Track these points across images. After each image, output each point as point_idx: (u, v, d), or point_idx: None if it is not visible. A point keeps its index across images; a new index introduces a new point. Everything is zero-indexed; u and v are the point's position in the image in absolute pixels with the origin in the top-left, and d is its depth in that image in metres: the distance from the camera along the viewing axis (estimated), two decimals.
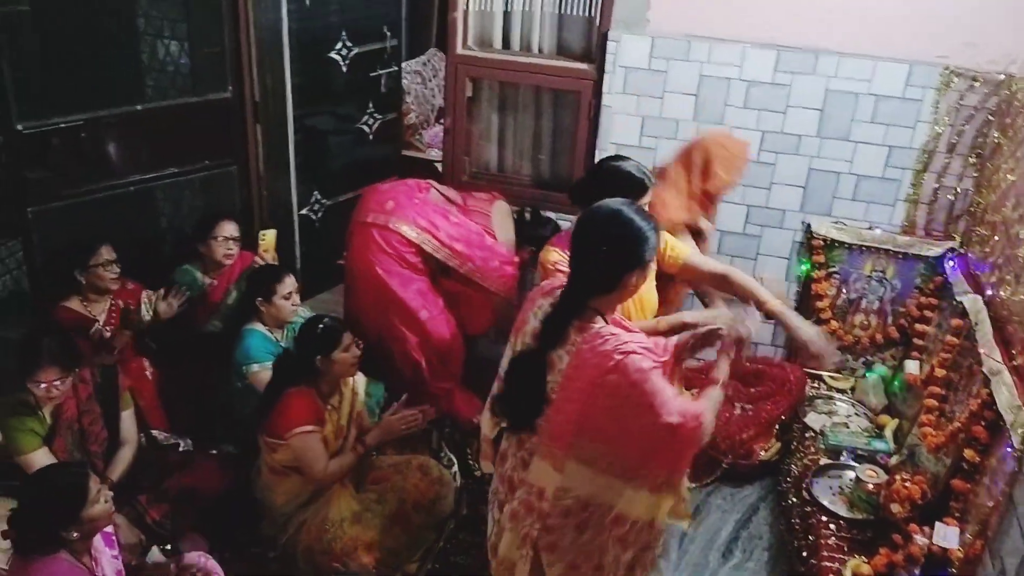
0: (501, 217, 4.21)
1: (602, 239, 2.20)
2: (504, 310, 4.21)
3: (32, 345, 3.05)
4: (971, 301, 3.31)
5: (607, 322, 2.24)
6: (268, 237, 4.08)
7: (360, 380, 3.51)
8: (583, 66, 4.05)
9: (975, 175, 3.72)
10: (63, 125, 3.65)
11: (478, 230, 4.08)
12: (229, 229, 3.93)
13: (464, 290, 4.15)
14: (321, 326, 3.25)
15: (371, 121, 4.83)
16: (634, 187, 2.82)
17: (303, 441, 3.15)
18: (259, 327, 3.68)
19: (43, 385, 2.99)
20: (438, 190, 4.18)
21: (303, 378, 3.24)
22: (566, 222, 4.28)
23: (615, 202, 2.27)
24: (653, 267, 2.39)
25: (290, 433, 3.14)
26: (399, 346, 4.05)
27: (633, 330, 2.30)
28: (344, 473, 3.28)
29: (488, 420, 2.60)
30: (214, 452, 3.65)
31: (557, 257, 2.92)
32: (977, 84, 3.61)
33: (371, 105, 4.79)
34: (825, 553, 3.08)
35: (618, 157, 3.01)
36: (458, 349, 4.17)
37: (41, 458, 3.00)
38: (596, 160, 3.99)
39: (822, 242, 3.95)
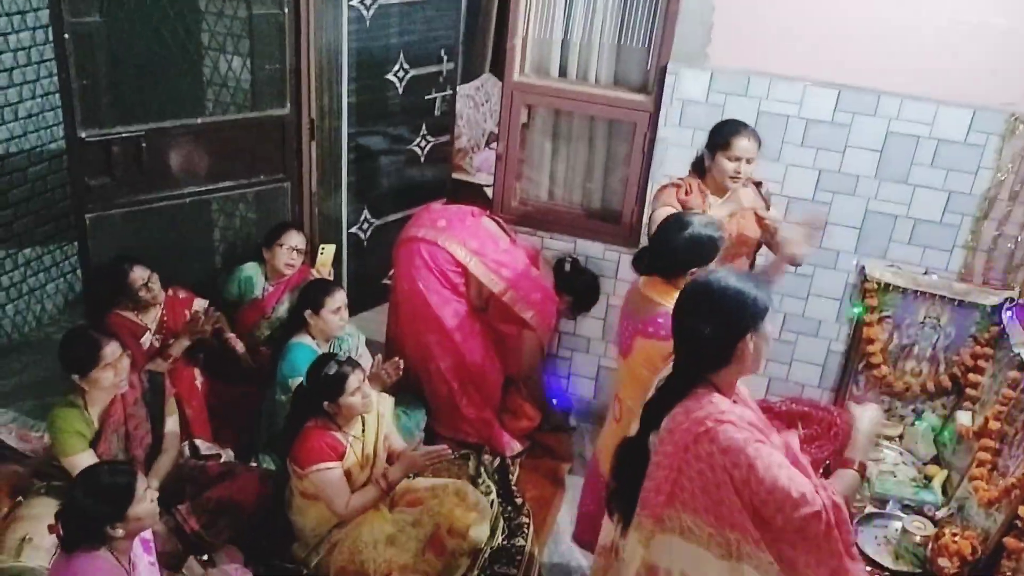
0: (542, 263, 4.22)
1: (702, 314, 2.08)
2: (535, 351, 4.19)
3: (83, 334, 3.14)
4: None
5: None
6: (327, 252, 4.14)
7: (387, 402, 3.50)
8: (640, 97, 4.04)
9: None
10: (125, 135, 3.73)
11: (525, 261, 4.08)
12: (296, 239, 4.00)
13: (498, 327, 4.14)
14: (327, 372, 3.19)
15: (423, 143, 4.87)
16: (709, 251, 2.74)
17: (322, 478, 3.15)
18: (306, 340, 3.70)
19: (108, 362, 3.05)
20: (491, 219, 4.19)
21: (319, 413, 3.23)
22: (613, 253, 4.26)
23: (715, 272, 2.17)
24: (771, 329, 2.17)
25: (309, 470, 3.15)
26: (434, 366, 4.05)
27: (750, 407, 2.18)
28: (367, 508, 3.25)
29: (607, 525, 2.44)
30: (254, 465, 3.67)
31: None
32: None
33: (424, 127, 4.84)
34: None
35: (683, 221, 2.84)
36: (493, 375, 4.15)
37: (86, 460, 3.03)
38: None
39: (876, 285, 3.88)
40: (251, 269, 4.07)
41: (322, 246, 4.16)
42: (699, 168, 3.45)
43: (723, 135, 3.32)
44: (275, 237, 4.00)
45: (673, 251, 2.77)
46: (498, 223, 4.19)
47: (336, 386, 3.17)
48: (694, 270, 2.71)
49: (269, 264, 4.03)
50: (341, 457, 3.20)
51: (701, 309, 2.10)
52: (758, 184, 3.49)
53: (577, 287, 4.23)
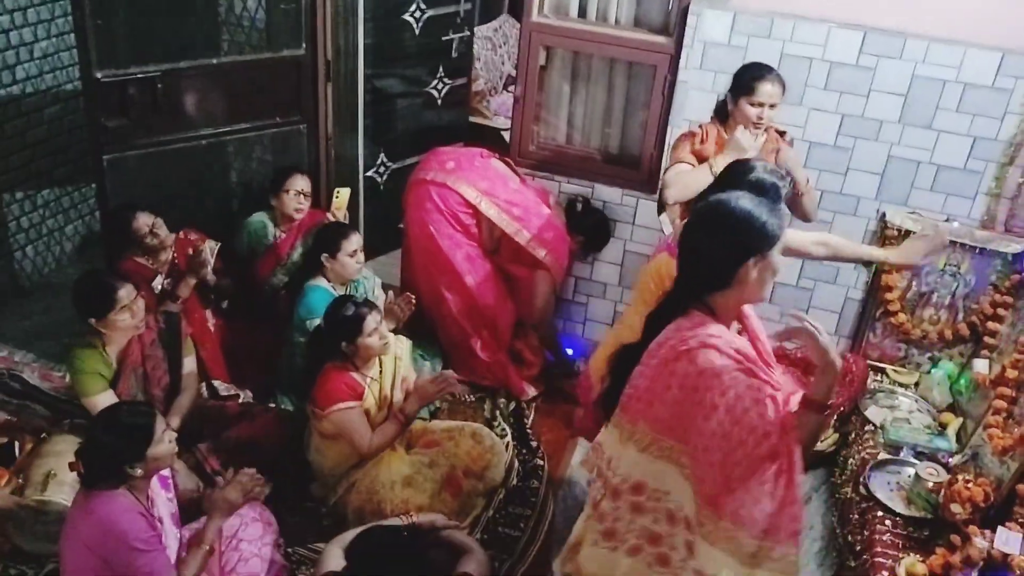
0: (554, 204, 4.20)
1: (708, 232, 2.06)
2: (548, 292, 4.18)
3: (95, 279, 3.18)
4: None
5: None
6: (342, 195, 4.12)
7: (404, 344, 3.52)
8: (661, 39, 3.97)
9: None
10: (140, 75, 3.71)
11: (536, 201, 4.06)
12: (301, 183, 3.99)
13: (510, 269, 4.13)
14: (344, 312, 3.22)
15: (440, 85, 4.80)
16: (772, 194, 2.58)
17: (343, 417, 3.19)
18: (323, 283, 3.72)
19: (124, 304, 3.08)
20: (500, 160, 4.16)
21: (337, 355, 3.26)
22: (631, 199, 4.23)
23: (730, 192, 2.11)
24: (780, 259, 2.08)
25: (329, 410, 3.18)
26: (446, 310, 4.06)
27: (754, 337, 2.17)
28: (388, 443, 3.30)
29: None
30: (272, 406, 3.72)
31: None
32: None
33: (441, 69, 4.77)
34: (879, 549, 3.02)
35: (749, 165, 2.75)
36: (505, 318, 4.16)
37: (106, 400, 3.09)
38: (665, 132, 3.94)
39: (896, 232, 3.84)
40: (258, 219, 4.06)
41: (337, 189, 4.15)
42: (721, 113, 3.39)
43: (746, 80, 3.25)
44: (280, 183, 3.98)
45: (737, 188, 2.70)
46: (507, 164, 4.16)
47: (354, 327, 3.19)
48: None
49: (278, 210, 4.02)
50: (360, 397, 3.24)
51: (708, 227, 2.08)
52: (782, 133, 3.44)
53: (588, 227, 4.22)
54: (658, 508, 2.16)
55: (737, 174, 2.71)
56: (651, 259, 2.90)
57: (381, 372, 3.36)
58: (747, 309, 2.23)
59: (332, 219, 4.02)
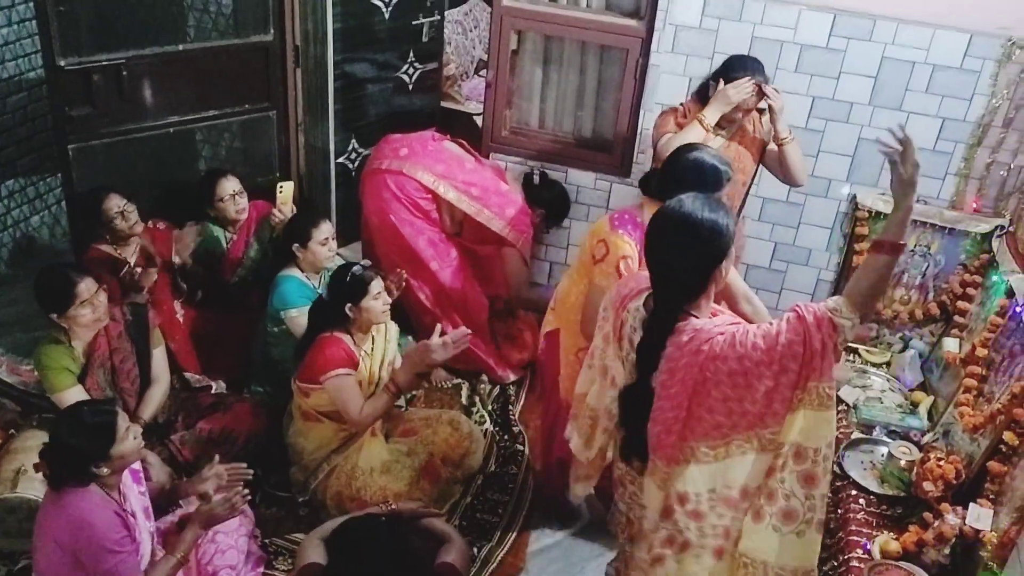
0: (510, 179, 4.20)
1: (680, 247, 2.09)
2: (519, 267, 4.18)
3: (56, 273, 3.10)
4: (1018, 280, 3.24)
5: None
6: (286, 189, 4.04)
7: (393, 328, 3.51)
8: (632, 23, 3.96)
9: None
10: (105, 63, 3.64)
11: (493, 178, 4.06)
12: (230, 187, 3.89)
13: (475, 248, 4.12)
14: (351, 274, 3.23)
15: (411, 70, 4.76)
16: (712, 181, 2.68)
17: (339, 383, 3.17)
18: (296, 273, 3.68)
19: (84, 299, 3.02)
20: (452, 141, 4.15)
21: (336, 325, 3.25)
22: (604, 183, 4.23)
23: (684, 202, 2.12)
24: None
25: (325, 376, 3.16)
26: (414, 298, 4.05)
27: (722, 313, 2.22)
28: (379, 415, 3.28)
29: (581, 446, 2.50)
30: (247, 395, 3.69)
31: (629, 251, 2.78)
32: None
33: (412, 54, 4.72)
34: (853, 527, 3.05)
35: (694, 147, 2.82)
36: (476, 300, 4.15)
37: (75, 395, 3.04)
38: (638, 118, 3.94)
39: (867, 214, 3.87)
40: (210, 231, 3.95)
41: (280, 184, 4.05)
42: (703, 95, 3.39)
43: (735, 70, 3.26)
44: (210, 192, 3.87)
45: (678, 171, 2.74)
46: (460, 144, 4.15)
47: (360, 288, 3.20)
48: None
49: (219, 218, 3.95)
50: (355, 367, 3.23)
51: (680, 242, 2.08)
52: (762, 112, 3.44)
53: (548, 200, 4.23)
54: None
55: (682, 151, 2.78)
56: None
57: (373, 349, 3.35)
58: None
59: (279, 214, 3.94)
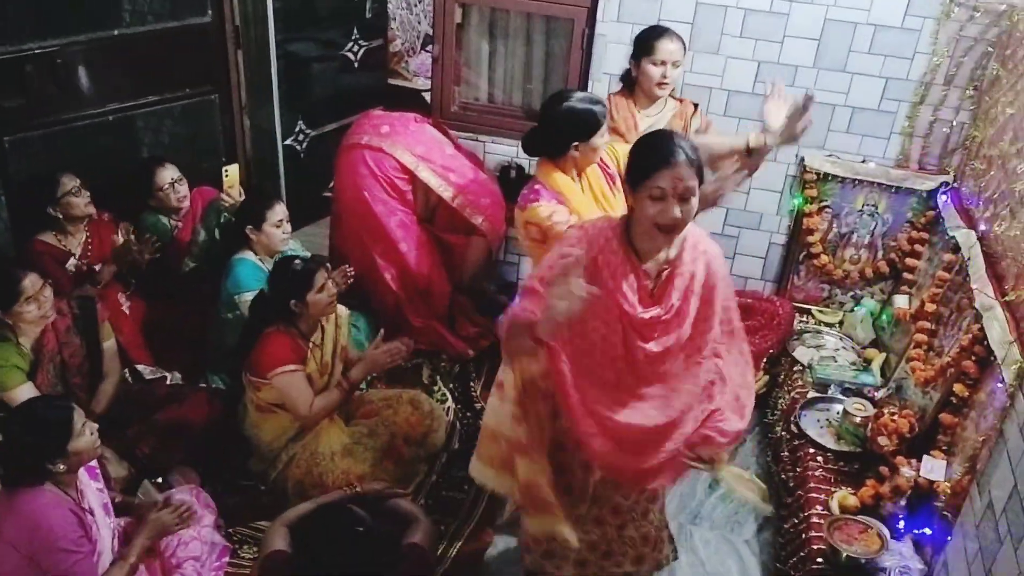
0: (487, 170, 4.16)
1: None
2: (481, 256, 4.15)
3: (1, 269, 3.05)
4: (964, 236, 3.30)
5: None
6: (231, 172, 3.97)
7: (343, 313, 3.47)
8: None
9: (972, 108, 3.66)
10: (38, 51, 3.53)
11: (471, 165, 4.01)
12: (168, 175, 3.82)
13: (445, 237, 4.09)
14: (293, 268, 3.16)
15: (356, 48, 4.70)
16: (587, 123, 2.73)
17: (285, 381, 3.13)
18: (249, 256, 3.63)
19: (29, 296, 2.96)
20: (433, 125, 4.10)
21: (280, 319, 3.19)
22: None
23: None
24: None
25: (272, 374, 3.11)
26: (379, 277, 4.01)
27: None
28: (330, 410, 3.26)
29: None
30: (203, 385, 3.63)
31: (546, 209, 2.77)
32: (978, 15, 3.53)
33: (356, 31, 4.66)
34: (812, 485, 3.12)
35: (561, 96, 2.83)
36: (440, 286, 4.12)
37: (26, 393, 2.97)
38: (586, 87, 3.92)
39: (815, 176, 3.91)
40: (151, 219, 3.87)
41: (225, 168, 3.99)
42: (628, 82, 3.38)
43: (644, 40, 3.25)
44: (149, 184, 3.80)
45: (552, 123, 2.79)
46: (441, 129, 4.10)
47: (304, 282, 3.13)
48: (576, 144, 2.74)
49: (161, 207, 3.87)
50: (303, 362, 3.18)
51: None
52: (696, 106, 3.44)
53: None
54: None
55: (552, 104, 2.82)
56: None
57: (323, 339, 3.31)
58: None
59: (228, 198, 3.86)
